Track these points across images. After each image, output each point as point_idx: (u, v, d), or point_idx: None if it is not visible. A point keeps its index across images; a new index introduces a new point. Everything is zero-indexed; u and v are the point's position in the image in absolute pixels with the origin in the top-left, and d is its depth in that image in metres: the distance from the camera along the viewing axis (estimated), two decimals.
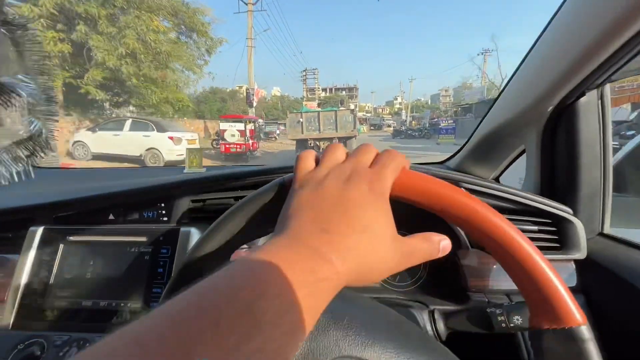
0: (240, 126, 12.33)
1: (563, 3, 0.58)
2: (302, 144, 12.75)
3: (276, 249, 0.23)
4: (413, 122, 41.10)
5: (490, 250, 0.33)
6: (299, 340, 0.21)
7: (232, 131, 12.16)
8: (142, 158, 10.12)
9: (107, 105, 15.29)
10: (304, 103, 28.33)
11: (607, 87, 0.63)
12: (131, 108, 15.45)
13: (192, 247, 0.37)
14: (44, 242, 0.70)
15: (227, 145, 11.96)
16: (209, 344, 0.16)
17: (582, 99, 0.63)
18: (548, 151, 0.72)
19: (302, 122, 12.89)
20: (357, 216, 0.27)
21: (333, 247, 0.24)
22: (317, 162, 0.33)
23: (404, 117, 47.84)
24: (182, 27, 14.40)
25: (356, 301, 0.37)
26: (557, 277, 0.31)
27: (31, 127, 0.45)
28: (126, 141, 10.17)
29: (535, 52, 0.69)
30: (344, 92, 62.66)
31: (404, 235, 0.31)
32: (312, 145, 12.53)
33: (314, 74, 54.60)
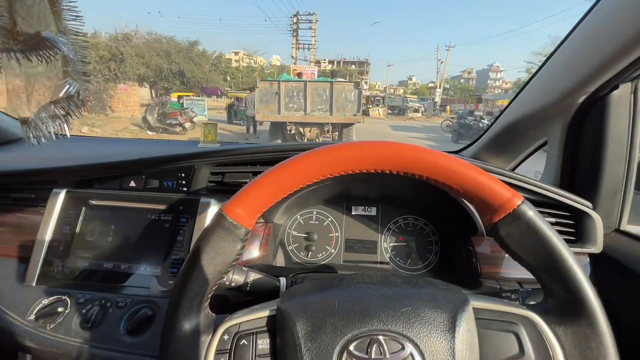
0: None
1: None
2: (277, 129, 8.74)
3: None
4: (448, 108, 30.90)
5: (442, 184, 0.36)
6: None
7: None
8: None
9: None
10: (292, 68, 21.84)
11: None
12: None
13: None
14: (66, 204, 0.71)
15: None
16: None
17: (615, 92, 0.62)
18: (572, 144, 0.72)
19: (279, 96, 8.34)
20: None
21: None
22: None
23: (437, 99, 33.43)
24: None
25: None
26: (486, 176, 0.35)
27: (68, 87, 0.45)
28: None
29: (570, 42, 0.68)
30: (353, 66, 48.90)
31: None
32: (292, 132, 8.57)
33: (311, 22, 30.87)
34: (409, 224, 0.84)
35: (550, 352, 0.33)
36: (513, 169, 1.03)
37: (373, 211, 0.85)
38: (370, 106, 26.67)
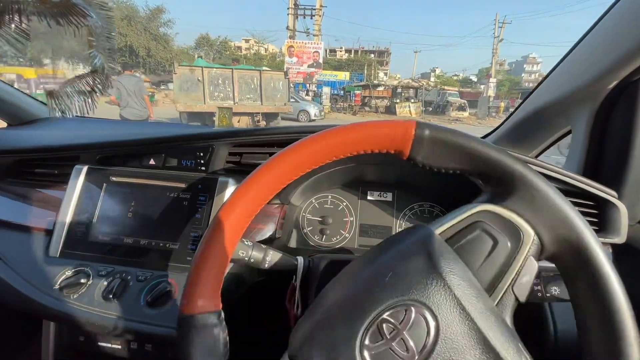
0: None
1: None
2: (196, 120, 7.81)
3: None
4: (502, 104, 22.30)
5: None
6: None
7: None
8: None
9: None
10: (287, 45, 18.92)
11: None
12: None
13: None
14: (88, 180, 0.73)
15: None
16: None
17: None
18: (598, 132, 0.69)
19: (203, 84, 7.69)
20: None
21: None
22: None
23: (490, 92, 23.79)
24: None
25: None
26: (374, 124, 0.37)
27: (93, 60, 0.46)
28: None
29: (599, 27, 0.65)
30: (372, 56, 42.19)
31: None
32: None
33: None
34: (424, 210, 0.83)
35: (516, 225, 0.35)
36: (535, 157, 1.00)
37: (389, 197, 0.84)
38: (397, 101, 21.02)
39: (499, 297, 0.35)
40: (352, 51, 43.27)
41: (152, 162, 0.75)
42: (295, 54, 19.38)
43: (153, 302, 0.61)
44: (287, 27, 22.17)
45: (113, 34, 0.54)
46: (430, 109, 23.01)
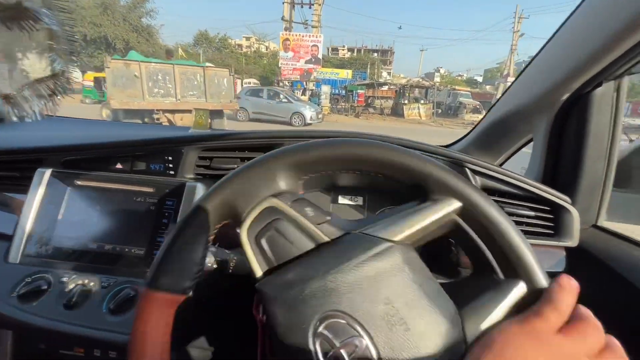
0: None
1: None
2: (133, 118, 7.34)
3: None
4: None
5: None
6: None
7: None
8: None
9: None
10: (282, 37, 16.85)
11: (625, 80, 0.63)
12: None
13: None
14: (51, 184, 0.71)
15: None
16: None
17: (598, 90, 0.63)
18: (555, 140, 0.73)
19: (141, 79, 7.16)
20: None
21: None
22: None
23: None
24: None
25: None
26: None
27: (53, 65, 0.45)
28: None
29: (556, 39, 0.68)
30: (375, 55, 40.63)
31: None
32: (160, 120, 7.43)
33: None
34: None
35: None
36: (501, 165, 1.04)
37: (360, 201, 0.86)
38: (406, 102, 18.73)
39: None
40: (355, 50, 41.79)
41: (119, 165, 0.73)
42: (291, 47, 17.24)
43: (116, 309, 0.60)
44: (283, 18, 19.46)
45: (76, 37, 0.53)
46: (440, 110, 20.32)
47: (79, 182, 0.71)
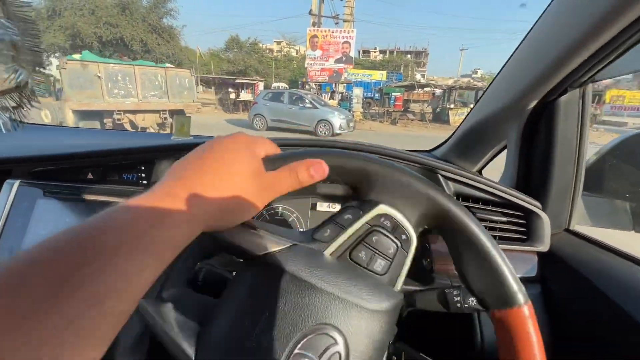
0: None
1: (551, 2, 0.58)
2: (91, 119, 7.24)
3: (140, 199, 0.25)
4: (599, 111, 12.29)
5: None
6: (155, 269, 0.23)
7: None
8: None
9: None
10: (309, 34, 14.62)
11: (589, 88, 0.64)
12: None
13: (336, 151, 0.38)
14: (19, 195, 0.69)
15: None
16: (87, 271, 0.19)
17: (564, 97, 0.64)
18: (527, 147, 0.74)
19: (101, 80, 7.18)
20: (211, 158, 0.29)
21: (186, 190, 0.26)
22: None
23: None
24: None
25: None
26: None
27: (17, 77, 0.44)
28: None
29: (523, 47, 0.70)
30: (409, 56, 38.77)
31: None
32: (120, 121, 7.41)
33: None
34: None
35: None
36: (480, 170, 1.05)
37: (337, 208, 0.86)
38: (452, 106, 16.04)
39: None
40: (387, 52, 39.99)
41: (90, 175, 0.72)
42: (319, 45, 15.05)
43: None
44: (310, 12, 17.04)
45: (41, 47, 0.52)
46: None
47: (48, 194, 0.70)
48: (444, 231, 0.37)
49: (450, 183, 0.69)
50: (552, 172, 0.68)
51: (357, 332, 0.32)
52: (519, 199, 0.67)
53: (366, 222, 0.36)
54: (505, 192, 0.67)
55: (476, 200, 0.70)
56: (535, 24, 0.65)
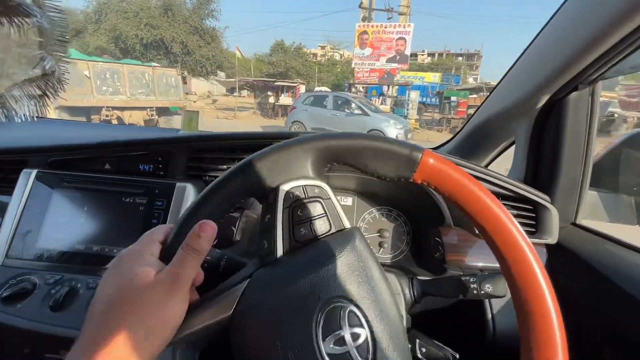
0: None
1: (564, 2, 0.60)
2: (80, 114, 7.45)
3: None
4: None
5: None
6: None
7: None
8: None
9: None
10: (358, 30, 12.93)
11: (599, 85, 0.66)
12: None
13: (201, 194, 0.38)
14: (37, 184, 0.70)
15: None
16: None
17: (574, 94, 0.66)
18: (536, 143, 0.76)
19: (90, 79, 7.45)
20: (115, 306, 0.31)
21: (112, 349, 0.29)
22: None
23: None
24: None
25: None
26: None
27: (43, 62, 0.45)
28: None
29: (534, 46, 0.72)
30: (460, 59, 37.64)
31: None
32: (108, 117, 7.65)
33: None
34: (383, 214, 0.87)
35: None
36: (486, 166, 1.07)
37: (349, 201, 0.87)
38: None
39: None
40: (436, 54, 38.32)
41: (107, 166, 0.73)
42: (369, 42, 12.90)
43: None
44: (361, 5, 14.60)
45: (67, 37, 0.53)
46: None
47: (66, 183, 0.71)
48: (335, 153, 0.38)
49: None
50: (561, 168, 0.70)
51: (360, 292, 0.34)
52: (529, 192, 0.68)
53: (282, 208, 0.38)
54: (516, 186, 0.68)
55: None
56: (547, 23, 0.67)
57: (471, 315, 0.66)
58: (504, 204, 0.70)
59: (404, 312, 0.54)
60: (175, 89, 9.21)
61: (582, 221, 0.74)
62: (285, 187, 0.37)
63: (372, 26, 13.20)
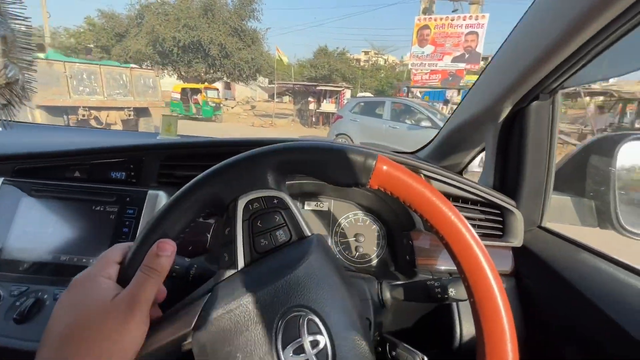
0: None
1: (527, 11, 0.63)
2: (54, 115, 7.46)
3: None
4: None
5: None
6: None
7: None
8: None
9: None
10: (417, 24, 11.02)
11: (559, 95, 0.69)
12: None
13: (158, 211, 0.39)
14: (3, 193, 0.69)
15: None
16: None
17: (536, 103, 0.69)
18: (502, 149, 0.79)
19: (67, 79, 7.50)
20: (68, 337, 0.31)
21: None
22: None
23: None
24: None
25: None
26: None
27: (7, 73, 0.44)
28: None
29: (500, 54, 0.74)
30: None
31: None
32: (85, 117, 7.77)
33: None
34: (359, 219, 0.88)
35: None
36: (461, 171, 1.10)
37: (325, 206, 0.88)
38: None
39: None
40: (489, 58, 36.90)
41: (77, 174, 0.72)
42: (431, 39, 10.94)
43: None
44: None
45: (32, 46, 0.52)
46: None
47: (33, 192, 0.69)
48: (292, 164, 0.40)
49: (431, 182, 0.73)
50: (525, 173, 0.73)
51: (321, 299, 0.35)
52: (495, 197, 0.71)
53: (242, 221, 0.38)
54: (483, 191, 0.71)
55: (456, 198, 0.74)
56: (511, 33, 0.69)
57: (441, 318, 0.68)
58: (472, 209, 0.73)
59: (372, 317, 0.55)
60: (153, 90, 9.26)
61: (548, 224, 0.77)
62: (244, 200, 0.38)
63: (436, 19, 11.03)
